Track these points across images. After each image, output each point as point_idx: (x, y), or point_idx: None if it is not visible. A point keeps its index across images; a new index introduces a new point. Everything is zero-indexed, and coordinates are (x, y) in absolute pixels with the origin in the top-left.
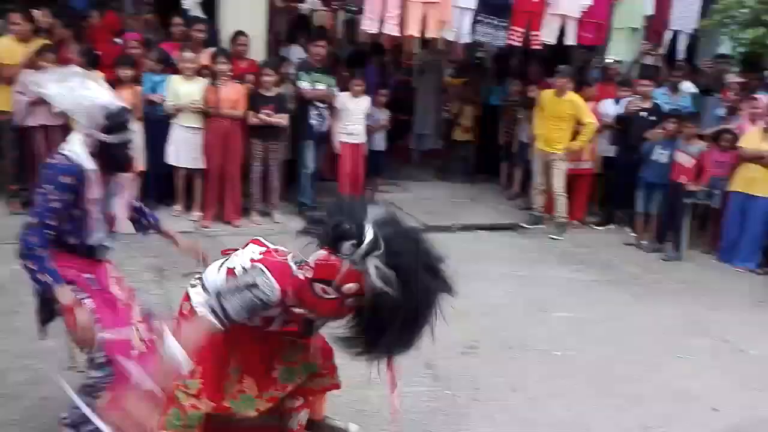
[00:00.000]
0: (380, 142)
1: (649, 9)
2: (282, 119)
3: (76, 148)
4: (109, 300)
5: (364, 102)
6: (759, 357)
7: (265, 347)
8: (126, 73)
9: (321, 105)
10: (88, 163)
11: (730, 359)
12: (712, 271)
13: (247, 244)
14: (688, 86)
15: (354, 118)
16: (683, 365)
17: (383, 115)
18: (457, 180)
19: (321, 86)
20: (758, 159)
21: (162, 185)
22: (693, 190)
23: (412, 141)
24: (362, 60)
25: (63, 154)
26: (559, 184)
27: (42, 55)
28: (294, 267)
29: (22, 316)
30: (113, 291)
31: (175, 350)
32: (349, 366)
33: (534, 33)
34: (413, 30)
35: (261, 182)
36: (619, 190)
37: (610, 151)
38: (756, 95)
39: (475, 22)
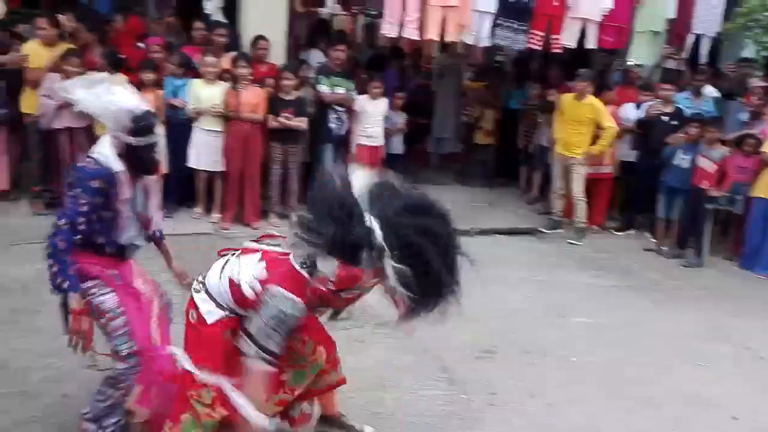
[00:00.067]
0: (398, 146)
1: (672, 12)
2: (301, 123)
3: (106, 150)
4: (133, 294)
5: (382, 104)
6: None
7: None
8: (148, 76)
9: (340, 109)
10: (117, 165)
11: (751, 367)
12: (733, 277)
13: (243, 251)
14: (710, 90)
15: (372, 120)
16: (703, 372)
17: (400, 119)
18: (476, 184)
19: (340, 90)
20: None
21: (183, 188)
22: (715, 195)
23: (430, 144)
24: (382, 64)
25: (92, 158)
26: (578, 188)
27: (67, 59)
28: (305, 274)
29: (45, 316)
30: (137, 285)
31: (249, 410)
32: (363, 369)
33: (554, 36)
34: (433, 34)
35: (280, 185)
36: (639, 194)
37: (631, 155)
38: None
39: (495, 25)
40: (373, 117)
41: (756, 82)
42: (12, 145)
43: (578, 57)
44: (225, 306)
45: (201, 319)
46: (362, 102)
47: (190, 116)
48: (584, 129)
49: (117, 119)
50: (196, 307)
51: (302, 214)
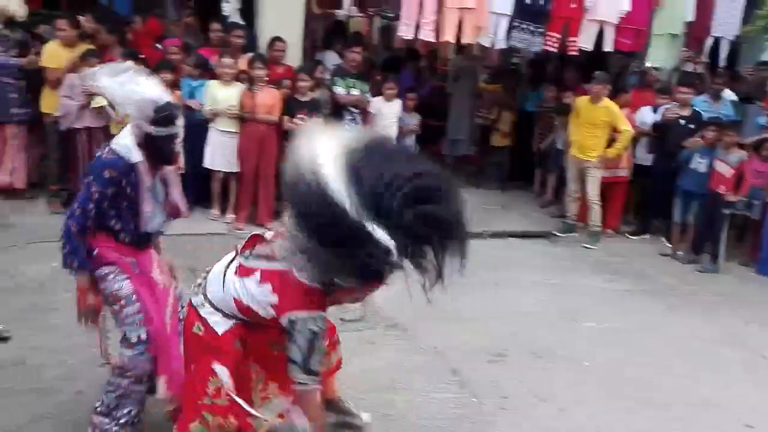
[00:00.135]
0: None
1: (690, 15)
2: (316, 124)
3: (125, 141)
4: (149, 283)
5: (396, 106)
6: None
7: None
8: (166, 77)
9: (354, 110)
10: (136, 155)
11: (766, 374)
12: (750, 283)
13: (240, 270)
14: (728, 94)
15: (386, 122)
16: (718, 378)
17: (413, 120)
18: (491, 186)
19: (355, 92)
20: None
21: (199, 188)
22: (732, 200)
23: (444, 146)
24: (397, 66)
25: (111, 148)
26: (593, 192)
27: (87, 60)
28: (318, 286)
29: (60, 313)
30: (154, 275)
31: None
32: (374, 370)
33: (571, 39)
34: (449, 36)
35: None
36: (655, 198)
37: (647, 159)
38: None
39: (511, 27)
40: (387, 119)
41: None
42: (31, 144)
43: (595, 59)
44: (231, 315)
45: (210, 330)
46: (377, 104)
47: (206, 117)
48: (600, 132)
49: (139, 108)
50: (202, 320)
51: (298, 238)
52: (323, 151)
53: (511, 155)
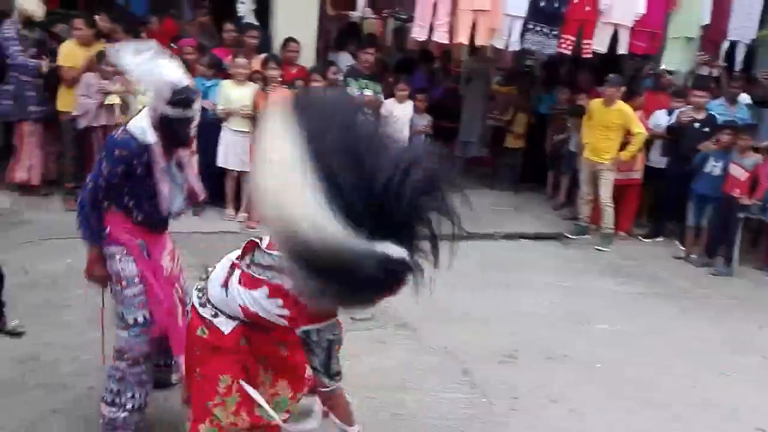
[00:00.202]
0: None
1: (706, 18)
2: None
3: (141, 123)
4: (155, 268)
5: (409, 107)
6: None
7: (293, 348)
8: None
9: (367, 111)
10: (151, 136)
11: None
12: (764, 287)
13: (244, 278)
14: (744, 98)
15: (398, 123)
16: (730, 382)
17: (423, 121)
18: (503, 188)
19: (368, 93)
20: None
21: (213, 186)
22: (746, 203)
23: (457, 148)
24: (411, 67)
25: (125, 128)
26: (606, 194)
27: (104, 59)
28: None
29: (73, 310)
30: (163, 262)
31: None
32: (384, 370)
33: (586, 41)
34: (463, 37)
35: None
36: (669, 201)
37: (661, 162)
38: None
39: (526, 29)
40: (400, 120)
41: None
42: (47, 141)
43: (609, 62)
44: (235, 317)
45: (215, 330)
46: (389, 105)
47: (219, 117)
48: (613, 135)
49: (157, 88)
50: (206, 322)
51: (297, 277)
52: (284, 167)
53: (523, 157)
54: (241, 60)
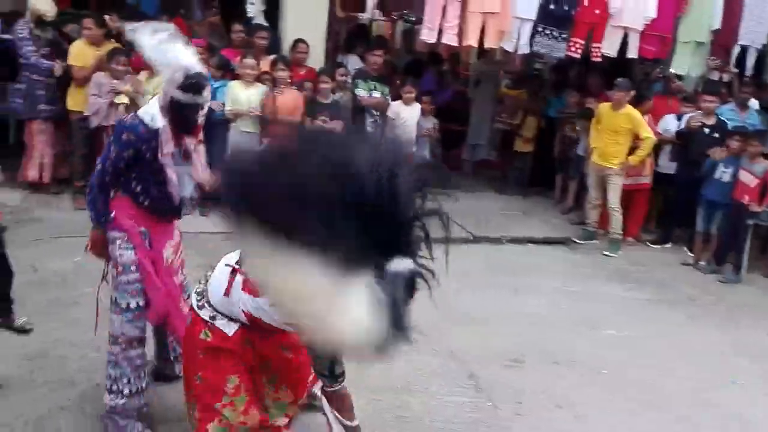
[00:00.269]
0: (425, 151)
1: (717, 23)
2: (337, 126)
3: (151, 109)
4: (153, 258)
5: (416, 109)
6: None
7: (296, 350)
8: None
9: (376, 113)
10: (160, 121)
11: None
12: None
13: (245, 285)
14: (753, 103)
15: (405, 126)
16: (737, 388)
17: (429, 123)
18: (511, 192)
19: (377, 94)
20: None
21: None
22: (756, 210)
23: (465, 151)
24: (420, 69)
25: (136, 114)
26: (614, 199)
27: (115, 58)
28: None
29: (82, 308)
30: (164, 253)
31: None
32: (389, 372)
33: (595, 45)
34: (472, 40)
35: None
36: (678, 207)
37: (671, 167)
38: None
39: (535, 32)
40: (406, 122)
41: None
42: (57, 140)
43: (619, 66)
44: (237, 320)
45: (218, 333)
46: (396, 107)
47: (227, 117)
48: (621, 139)
49: (170, 71)
50: (208, 325)
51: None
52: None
53: (532, 161)
54: (249, 61)
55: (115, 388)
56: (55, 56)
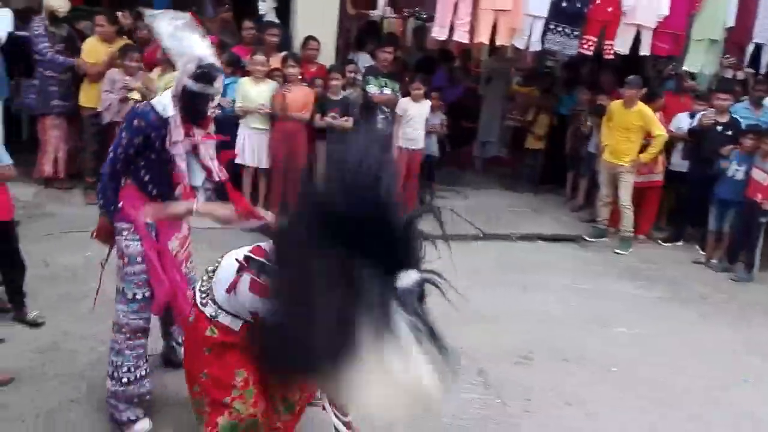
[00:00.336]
0: (433, 147)
1: (731, 20)
2: (347, 123)
3: (163, 99)
4: (160, 250)
5: (425, 106)
6: None
7: None
8: None
9: (387, 109)
10: (171, 110)
11: None
12: None
13: (252, 284)
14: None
15: (414, 123)
16: (749, 389)
17: (436, 119)
18: (522, 189)
19: (387, 91)
20: None
21: (232, 182)
22: None
23: (476, 148)
24: (431, 67)
25: (149, 102)
26: (626, 197)
27: (128, 55)
28: None
29: (91, 302)
30: (170, 245)
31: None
32: None
33: (608, 42)
34: (483, 37)
35: None
36: (690, 205)
37: (683, 165)
38: None
39: (547, 30)
40: (415, 120)
41: None
42: (69, 136)
43: (631, 63)
44: (242, 317)
45: (224, 328)
46: (404, 104)
47: (237, 114)
48: (633, 136)
49: (184, 60)
50: (214, 322)
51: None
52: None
53: (543, 158)
54: (259, 57)
55: (116, 374)
56: (71, 53)
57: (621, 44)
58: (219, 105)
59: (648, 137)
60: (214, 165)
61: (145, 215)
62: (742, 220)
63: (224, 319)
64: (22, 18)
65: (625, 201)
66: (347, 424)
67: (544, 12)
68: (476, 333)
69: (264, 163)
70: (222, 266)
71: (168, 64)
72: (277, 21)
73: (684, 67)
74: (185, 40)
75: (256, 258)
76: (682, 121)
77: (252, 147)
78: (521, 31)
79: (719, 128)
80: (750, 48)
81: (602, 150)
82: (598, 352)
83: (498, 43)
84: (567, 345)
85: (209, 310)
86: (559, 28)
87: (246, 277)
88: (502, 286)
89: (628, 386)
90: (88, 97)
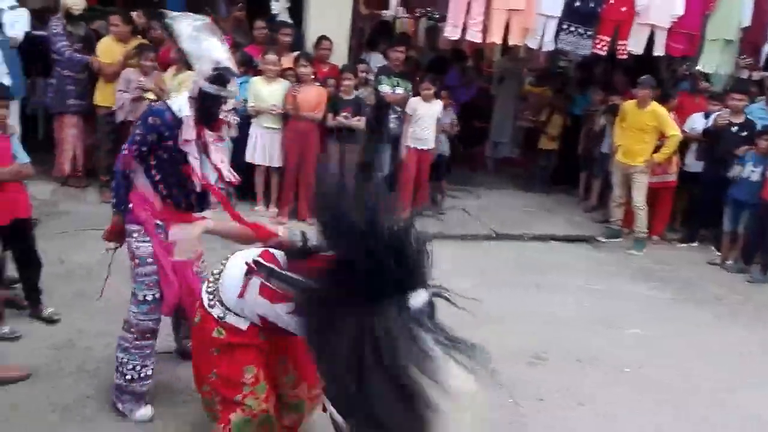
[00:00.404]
0: (444, 147)
1: (747, 20)
2: (359, 122)
3: (180, 99)
4: (170, 250)
5: (436, 107)
6: None
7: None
8: None
9: (399, 109)
10: (186, 109)
11: None
12: None
13: (262, 289)
14: None
15: (424, 123)
16: (764, 389)
17: (447, 118)
18: (535, 189)
19: (400, 90)
20: None
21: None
22: None
23: (487, 148)
24: (444, 66)
25: (164, 101)
26: (639, 197)
27: (143, 54)
28: None
29: (106, 300)
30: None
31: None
32: None
33: (621, 42)
34: (496, 37)
35: None
36: (704, 206)
37: (697, 166)
38: None
39: (560, 30)
40: (424, 119)
41: None
42: (85, 134)
43: (645, 63)
44: (250, 320)
45: (232, 329)
46: (414, 103)
47: (249, 114)
48: (647, 137)
49: (202, 60)
50: (221, 323)
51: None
52: None
53: (556, 159)
54: (271, 56)
55: (121, 369)
56: (88, 52)
57: (635, 44)
58: (234, 109)
59: (662, 138)
60: (225, 167)
61: (172, 236)
62: (757, 221)
63: (231, 319)
64: (39, 18)
65: (639, 202)
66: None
67: (558, 12)
68: (488, 333)
69: (276, 162)
70: (228, 268)
71: (182, 64)
72: (290, 21)
73: (698, 67)
74: (203, 43)
75: (266, 263)
76: (697, 122)
77: (264, 146)
78: (534, 31)
79: (734, 129)
80: (766, 48)
81: (615, 150)
82: (610, 353)
83: (511, 42)
84: (580, 345)
85: (217, 312)
86: (572, 28)
87: (255, 281)
88: (514, 286)
89: (641, 387)
90: (103, 96)
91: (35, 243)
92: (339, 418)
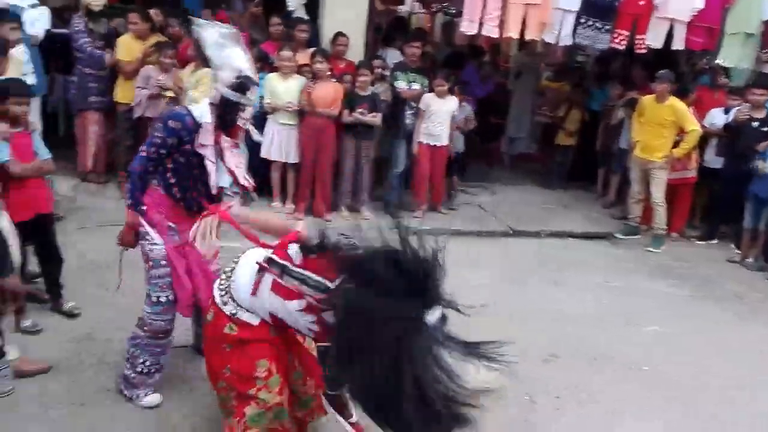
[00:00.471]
0: (458, 143)
1: (767, 14)
2: (375, 118)
3: (201, 104)
4: (184, 252)
5: (451, 103)
6: None
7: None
8: None
9: (415, 105)
10: (206, 116)
11: None
12: None
13: (275, 286)
14: None
15: (437, 119)
16: None
17: (463, 114)
18: (552, 185)
19: (416, 86)
20: None
21: (261, 178)
22: None
23: (504, 144)
24: (461, 62)
25: (185, 105)
26: (658, 193)
27: (163, 51)
28: None
29: (125, 293)
30: (195, 247)
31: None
32: None
33: (639, 36)
34: (513, 32)
35: (352, 179)
36: (724, 203)
37: (717, 162)
38: None
39: (578, 24)
40: (438, 115)
41: None
42: (106, 131)
43: (663, 57)
44: (261, 317)
45: (243, 324)
46: (428, 99)
47: (265, 110)
48: (666, 132)
49: (224, 68)
50: (233, 319)
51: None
52: None
53: (574, 154)
54: (286, 53)
55: (132, 362)
56: (109, 49)
57: (653, 38)
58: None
59: (681, 133)
60: (240, 172)
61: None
62: None
63: (243, 315)
64: (59, 16)
65: (658, 198)
66: (354, 425)
67: (575, 6)
68: (505, 331)
69: (292, 158)
70: (240, 266)
71: (200, 61)
72: (306, 17)
73: (718, 61)
74: (228, 51)
75: (279, 260)
76: (716, 117)
77: (280, 142)
78: (551, 26)
79: (755, 124)
80: None
81: (633, 146)
82: (628, 351)
83: (528, 37)
84: (597, 343)
85: (229, 308)
86: (590, 22)
87: (268, 278)
88: (531, 283)
89: (658, 385)
90: (123, 93)
91: (56, 238)
92: (342, 420)
